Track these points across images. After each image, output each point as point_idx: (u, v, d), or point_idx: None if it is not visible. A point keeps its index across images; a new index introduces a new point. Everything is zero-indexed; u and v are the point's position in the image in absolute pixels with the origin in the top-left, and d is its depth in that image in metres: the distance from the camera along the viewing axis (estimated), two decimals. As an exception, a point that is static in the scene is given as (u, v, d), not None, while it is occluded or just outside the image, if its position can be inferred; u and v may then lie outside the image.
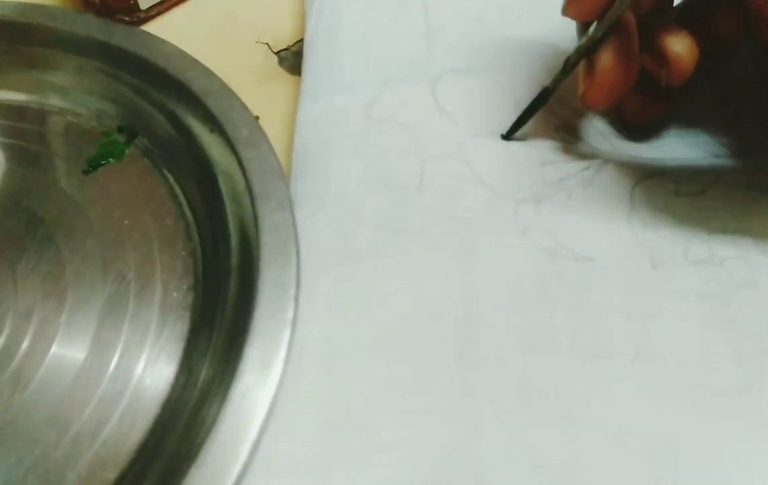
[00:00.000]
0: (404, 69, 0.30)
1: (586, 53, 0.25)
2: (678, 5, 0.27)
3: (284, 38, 0.35)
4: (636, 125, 0.29)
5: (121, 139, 0.31)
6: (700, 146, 0.28)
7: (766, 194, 0.26)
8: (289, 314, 0.23)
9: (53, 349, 0.25)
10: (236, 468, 0.20)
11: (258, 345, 0.22)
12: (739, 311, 0.23)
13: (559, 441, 0.21)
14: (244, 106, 0.28)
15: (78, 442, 0.23)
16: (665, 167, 0.27)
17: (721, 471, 0.20)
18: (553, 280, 0.24)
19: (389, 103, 0.29)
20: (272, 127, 0.28)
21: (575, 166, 0.27)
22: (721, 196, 0.26)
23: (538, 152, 0.28)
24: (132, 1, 0.34)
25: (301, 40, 0.34)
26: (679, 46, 0.25)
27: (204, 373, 0.24)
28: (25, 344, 0.25)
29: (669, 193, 0.27)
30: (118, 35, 0.31)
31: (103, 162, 0.30)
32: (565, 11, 0.25)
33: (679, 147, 0.28)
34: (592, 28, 0.25)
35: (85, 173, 0.30)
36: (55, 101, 0.32)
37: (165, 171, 0.30)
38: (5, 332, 0.25)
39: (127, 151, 0.31)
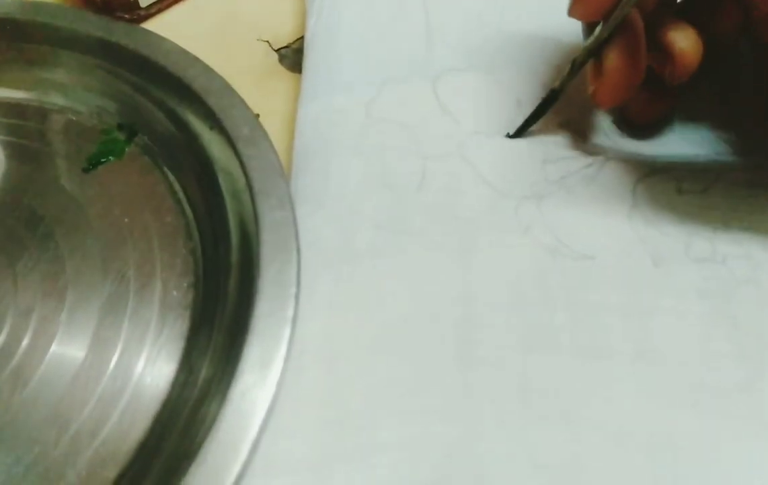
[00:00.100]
0: (404, 68, 0.30)
1: (593, 53, 0.25)
2: (678, 3, 0.27)
3: (285, 36, 0.35)
4: (639, 123, 0.29)
5: (122, 137, 0.31)
6: (702, 144, 0.28)
7: (767, 191, 0.26)
8: (290, 312, 0.23)
9: (53, 347, 0.25)
10: (236, 467, 0.20)
11: (258, 344, 0.22)
12: (740, 308, 0.23)
13: (559, 441, 0.21)
14: (244, 104, 0.28)
15: (78, 441, 0.23)
16: (667, 165, 0.27)
17: (721, 471, 0.20)
18: (553, 279, 0.24)
19: (389, 102, 0.29)
20: (272, 125, 0.28)
21: (577, 163, 0.27)
22: (722, 194, 0.26)
23: (540, 150, 0.28)
24: (132, -1, 0.35)
25: (302, 38, 0.33)
26: (685, 41, 0.24)
27: (204, 371, 0.24)
28: (24, 343, 0.25)
29: (671, 190, 0.26)
30: (118, 33, 0.31)
31: (103, 160, 0.30)
32: (571, 12, 0.25)
33: (681, 145, 0.28)
34: (598, 29, 0.25)
35: (85, 170, 0.30)
36: (55, 99, 0.32)
37: (165, 169, 0.30)
38: (5, 331, 0.25)
39: (127, 149, 0.31)
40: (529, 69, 0.30)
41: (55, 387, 0.24)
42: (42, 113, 0.32)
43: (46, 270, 0.27)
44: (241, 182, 0.26)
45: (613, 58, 0.25)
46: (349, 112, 0.29)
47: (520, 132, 0.28)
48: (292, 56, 0.34)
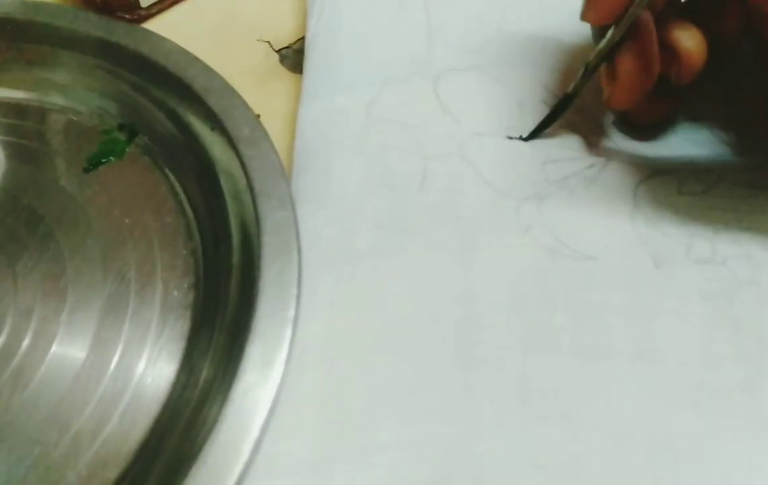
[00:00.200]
0: (405, 68, 0.30)
1: (605, 57, 0.25)
2: (682, 3, 0.27)
3: (285, 36, 0.35)
4: (641, 124, 0.29)
5: (122, 137, 0.31)
6: (704, 145, 0.28)
7: (767, 192, 0.26)
8: (291, 313, 0.23)
9: (53, 348, 0.25)
10: (237, 468, 0.20)
11: (259, 344, 0.22)
12: (742, 310, 0.23)
13: (559, 441, 0.21)
14: (245, 105, 0.28)
15: (78, 441, 0.23)
16: (669, 166, 0.27)
17: (721, 471, 0.20)
18: (553, 279, 0.24)
19: (390, 102, 0.29)
20: (273, 125, 0.28)
21: (578, 164, 0.27)
22: (724, 194, 0.26)
23: (541, 151, 0.28)
24: (133, -1, 0.34)
25: (303, 38, 0.33)
26: (690, 41, 0.24)
27: (205, 372, 0.24)
28: (25, 343, 0.25)
29: (672, 191, 0.26)
30: (118, 33, 0.31)
31: (103, 160, 0.30)
32: (584, 16, 0.25)
33: (682, 146, 0.28)
34: (610, 32, 0.25)
35: (86, 171, 0.30)
36: (55, 99, 0.32)
37: (166, 169, 0.30)
38: (5, 331, 0.25)
39: (127, 149, 0.31)
40: (530, 69, 0.30)
41: (55, 387, 0.24)
42: (42, 113, 0.32)
43: (46, 270, 0.27)
44: (242, 182, 0.26)
45: (626, 62, 0.25)
46: (350, 113, 0.29)
47: (533, 136, 0.28)
48: (293, 56, 0.34)
